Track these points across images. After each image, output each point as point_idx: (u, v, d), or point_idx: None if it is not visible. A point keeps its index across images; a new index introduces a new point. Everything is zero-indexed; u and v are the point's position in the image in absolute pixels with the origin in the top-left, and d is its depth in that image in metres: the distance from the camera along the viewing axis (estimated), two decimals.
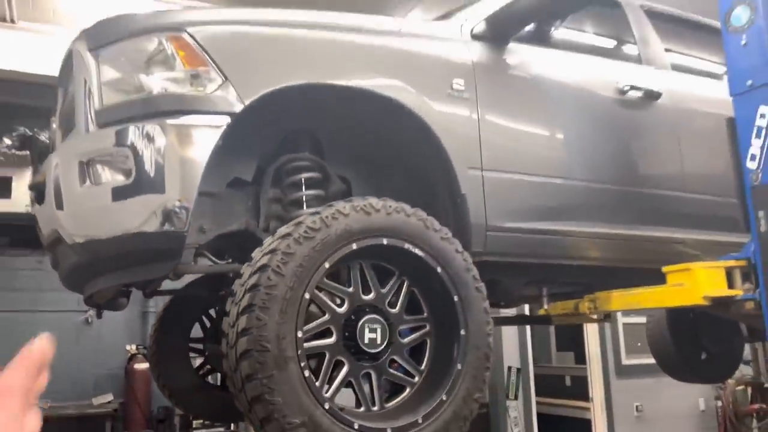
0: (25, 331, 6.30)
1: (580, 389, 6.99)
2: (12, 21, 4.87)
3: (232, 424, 5.91)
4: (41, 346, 0.62)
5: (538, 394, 7.87)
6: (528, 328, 6.46)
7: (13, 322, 6.35)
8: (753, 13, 2.41)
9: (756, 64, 2.38)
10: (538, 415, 6.73)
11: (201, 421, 6.07)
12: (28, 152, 5.76)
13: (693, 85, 3.03)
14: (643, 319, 4.91)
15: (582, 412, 6.80)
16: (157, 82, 2.04)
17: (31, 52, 4.94)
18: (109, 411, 6.05)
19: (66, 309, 6.45)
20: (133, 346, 6.45)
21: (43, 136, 5.76)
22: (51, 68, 4.97)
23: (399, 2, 5.25)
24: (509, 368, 6.30)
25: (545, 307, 3.04)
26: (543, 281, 2.92)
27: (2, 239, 6.40)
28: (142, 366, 6.18)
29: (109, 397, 6.28)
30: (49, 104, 5.80)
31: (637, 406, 6.65)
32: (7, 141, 5.61)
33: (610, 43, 3.27)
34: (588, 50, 3.05)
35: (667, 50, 3.18)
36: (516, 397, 6.26)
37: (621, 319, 6.75)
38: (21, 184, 5.67)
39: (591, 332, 6.68)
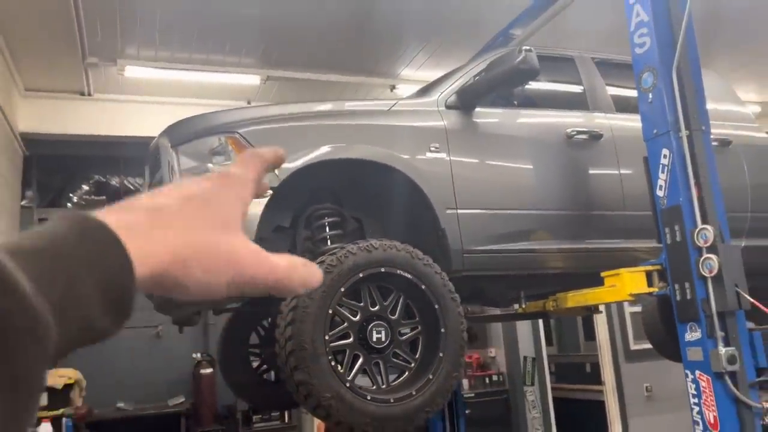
0: (107, 345, 7.40)
1: (597, 374, 7.68)
2: (89, 94, 5.96)
3: (286, 418, 6.85)
4: (272, 150, 0.61)
5: (561, 380, 8.61)
6: (541, 322, 7.20)
7: None
8: (656, 79, 3.18)
9: (658, 117, 3.14)
10: (558, 399, 7.46)
11: (260, 416, 7.04)
12: (104, 197, 6.93)
13: (630, 124, 3.78)
14: None
15: (596, 394, 7.51)
16: (219, 168, 2.95)
17: (103, 117, 6.01)
18: (182, 410, 7.06)
19: (139, 326, 7.50)
20: (199, 354, 7.42)
21: (114, 181, 7.01)
22: (117, 129, 6.03)
23: (405, 51, 6.16)
24: (525, 358, 7.05)
25: (523, 306, 3.85)
26: (518, 287, 3.73)
27: None
28: (207, 371, 7.16)
29: (182, 398, 7.30)
30: (117, 155, 6.91)
31: (646, 387, 7.30)
32: (86, 188, 6.77)
33: (564, 91, 4.05)
34: (545, 102, 3.85)
35: (615, 89, 3.94)
36: (533, 383, 7.01)
37: (627, 309, 7.42)
38: None
39: (600, 322, 7.37)
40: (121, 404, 7.06)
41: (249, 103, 6.66)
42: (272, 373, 4.59)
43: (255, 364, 4.42)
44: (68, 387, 5.97)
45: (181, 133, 3.11)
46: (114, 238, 0.42)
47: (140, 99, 6.31)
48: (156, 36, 5.46)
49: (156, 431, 7.02)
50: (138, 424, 6.87)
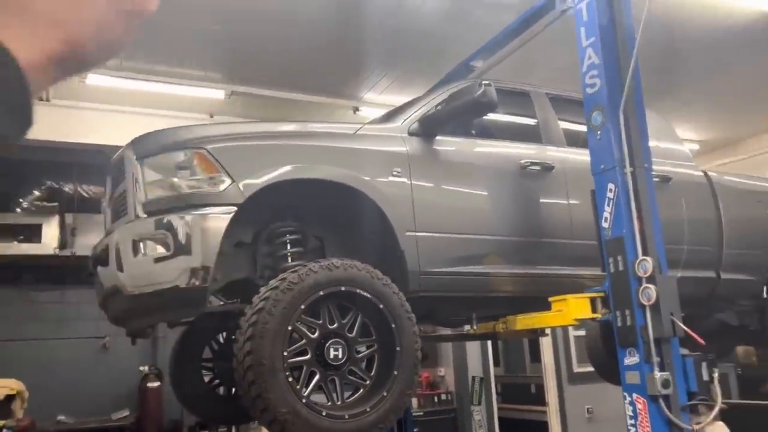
0: (50, 356, 7.19)
1: (542, 395, 7.92)
2: (47, 99, 5.87)
3: (234, 428, 6.79)
4: None
5: (507, 400, 8.81)
6: (489, 343, 7.40)
7: (39, 349, 7.23)
8: (604, 117, 3.40)
9: (605, 153, 3.36)
10: (503, 419, 7.65)
11: (206, 431, 6.95)
12: (56, 204, 6.78)
13: (580, 158, 4.00)
14: None
15: (540, 415, 7.73)
16: (185, 183, 3.00)
17: (60, 123, 5.93)
18: (127, 424, 6.91)
19: (85, 336, 7.34)
20: (146, 368, 7.30)
21: (67, 188, 6.87)
22: (74, 136, 5.94)
23: (369, 75, 6.32)
24: (473, 378, 7.22)
25: (474, 327, 3.99)
26: (471, 308, 3.88)
27: (29, 276, 7.29)
28: (154, 384, 7.05)
29: (126, 412, 7.15)
30: (72, 162, 6.78)
31: (587, 409, 7.57)
32: (37, 193, 6.62)
33: (519, 124, 4.27)
34: (501, 134, 4.04)
35: (567, 123, 4.17)
36: (479, 403, 7.18)
37: (572, 332, 7.71)
38: (50, 230, 6.59)
39: (546, 344, 7.62)
40: (62, 417, 6.86)
41: (212, 116, 6.68)
42: (223, 387, 4.60)
43: (207, 378, 4.41)
44: (10, 398, 5.78)
45: (147, 146, 3.14)
46: None
47: (101, 107, 6.25)
48: None
49: None
50: None
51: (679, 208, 4.25)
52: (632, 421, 3.13)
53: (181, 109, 6.62)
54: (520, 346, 9.16)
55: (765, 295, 4.69)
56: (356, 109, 6.87)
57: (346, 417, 2.82)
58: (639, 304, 3.13)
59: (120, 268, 2.98)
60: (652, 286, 3.09)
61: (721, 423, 3.21)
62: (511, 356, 9.54)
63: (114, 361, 7.47)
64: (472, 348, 7.30)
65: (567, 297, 3.42)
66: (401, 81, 6.43)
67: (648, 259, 3.14)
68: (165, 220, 2.93)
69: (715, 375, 3.45)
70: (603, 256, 3.36)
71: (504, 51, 4.71)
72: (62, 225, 6.66)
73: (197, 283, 2.88)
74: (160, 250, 2.92)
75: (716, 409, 3.14)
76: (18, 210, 6.61)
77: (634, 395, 3.13)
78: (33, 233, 6.56)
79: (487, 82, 3.40)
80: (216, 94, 6.42)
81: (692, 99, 7.47)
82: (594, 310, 3.39)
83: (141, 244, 2.95)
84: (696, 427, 3.12)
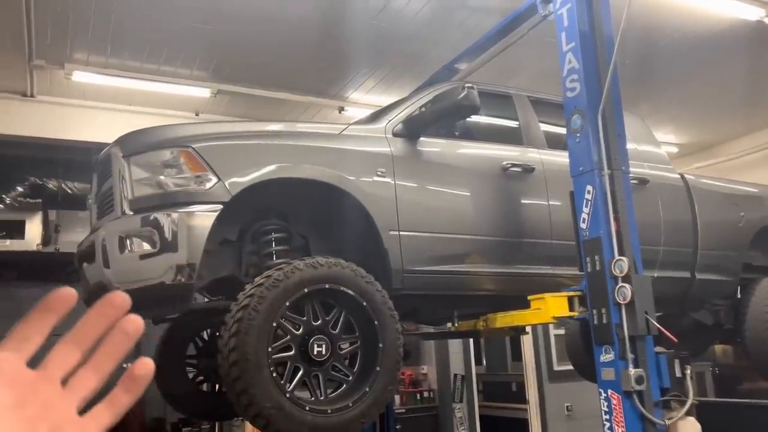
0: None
1: (522, 393, 8.04)
2: (32, 96, 5.85)
3: (217, 430, 6.81)
4: (140, 365, 0.60)
5: (488, 398, 8.92)
6: (471, 342, 7.50)
7: None
8: (584, 121, 3.49)
9: (584, 156, 3.45)
10: (484, 416, 7.75)
11: (189, 428, 6.97)
12: (39, 200, 6.77)
13: (560, 160, 4.09)
14: None
15: (520, 413, 7.85)
16: (171, 181, 3.03)
17: (45, 120, 5.91)
18: None
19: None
20: (129, 365, 7.26)
21: (51, 185, 6.86)
22: (58, 132, 5.93)
23: (355, 76, 6.39)
24: (455, 375, 7.31)
25: (456, 324, 4.07)
26: (452, 306, 3.95)
27: (11, 273, 7.24)
28: None
29: None
30: (56, 158, 6.77)
31: (567, 406, 7.70)
32: (20, 189, 6.59)
33: (501, 126, 4.35)
34: (483, 135, 4.12)
35: (548, 126, 4.26)
36: (461, 400, 7.27)
37: (552, 331, 7.83)
38: (33, 227, 6.56)
39: (527, 343, 7.74)
40: None
41: (197, 115, 6.69)
42: (207, 383, 4.63)
43: (191, 375, 4.44)
44: None
45: (133, 144, 3.17)
46: None
47: (86, 104, 6.23)
48: (108, 43, 5.44)
49: None
50: None
51: (655, 210, 4.36)
52: (607, 416, 3.23)
53: (166, 107, 6.63)
54: (501, 345, 9.28)
55: (738, 295, 4.82)
56: (342, 109, 6.92)
57: (329, 411, 2.88)
58: (615, 303, 3.22)
59: (106, 265, 3.00)
60: (627, 286, 3.19)
61: (692, 418, 3.31)
62: (493, 355, 9.66)
63: None
64: (455, 346, 7.39)
65: (545, 296, 3.50)
66: (387, 81, 6.50)
67: (624, 259, 3.24)
68: (151, 218, 2.96)
69: (688, 372, 3.56)
70: (581, 255, 3.45)
71: (487, 54, 4.80)
72: (45, 221, 6.64)
73: (183, 279, 2.92)
74: (146, 247, 2.96)
75: (688, 405, 3.24)
76: (0, 206, 6.57)
77: (609, 391, 3.22)
78: (16, 229, 6.53)
79: (470, 84, 3.47)
80: (202, 92, 6.44)
81: (671, 103, 7.62)
82: (571, 309, 3.48)
83: (127, 241, 2.99)
84: (668, 422, 3.22)
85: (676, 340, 3.24)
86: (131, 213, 3.04)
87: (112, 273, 2.99)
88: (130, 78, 5.97)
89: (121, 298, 0.59)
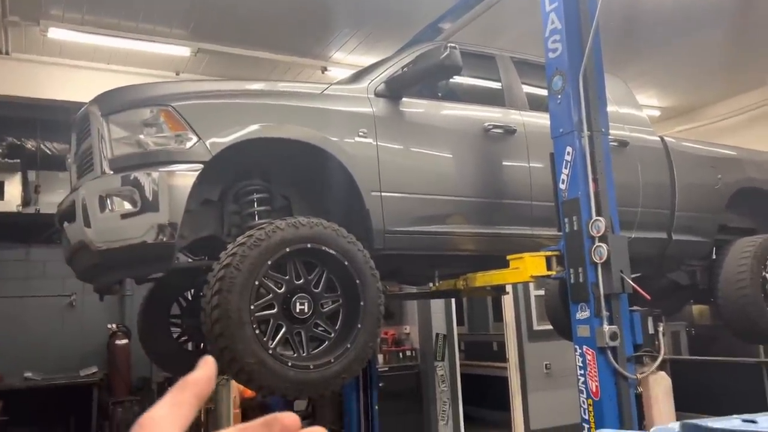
0: (16, 314, 7.15)
1: (503, 353, 8.23)
2: (7, 53, 5.70)
3: None
4: (201, 376, 0.54)
5: (470, 357, 9.12)
6: (453, 303, 7.62)
7: (5, 307, 7.19)
8: (564, 82, 3.50)
9: (564, 118, 3.47)
10: (465, 374, 7.94)
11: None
12: (18, 160, 6.67)
13: (541, 121, 4.11)
14: None
15: (501, 371, 8.05)
16: (151, 140, 3.01)
17: (21, 78, 5.78)
18: (95, 380, 6.96)
19: (52, 294, 7.30)
20: (114, 325, 7.32)
21: (30, 145, 6.75)
22: (35, 91, 5.82)
23: (337, 35, 6.29)
24: (437, 335, 7.45)
25: (437, 284, 4.14)
26: (433, 266, 4.01)
27: None
28: (123, 342, 7.09)
29: (94, 369, 7.19)
30: (34, 118, 6.66)
31: (546, 365, 7.91)
32: None
33: (484, 87, 4.35)
34: (466, 96, 4.12)
35: (530, 88, 4.26)
36: (443, 359, 7.43)
37: (533, 292, 7.97)
38: (12, 188, 6.48)
39: (508, 304, 7.88)
40: (29, 374, 6.88)
41: (178, 74, 6.58)
42: (191, 343, 4.68)
43: (175, 335, 4.48)
44: None
45: (112, 103, 3.14)
46: None
47: (62, 62, 6.08)
48: None
49: (67, 402, 6.90)
50: (48, 395, 6.72)
51: (634, 172, 4.41)
52: (582, 371, 3.33)
53: (146, 66, 6.50)
54: (483, 306, 9.45)
55: (714, 256, 4.93)
56: (324, 69, 6.84)
57: (311, 367, 2.94)
58: (591, 262, 3.29)
59: (87, 224, 3.00)
60: (604, 245, 3.26)
61: (662, 373, 3.43)
62: (474, 315, 9.84)
63: (81, 318, 7.47)
64: (437, 307, 7.50)
65: (524, 255, 3.57)
66: (369, 41, 6.42)
67: (601, 219, 3.30)
68: (132, 177, 2.95)
69: (660, 329, 3.67)
70: (559, 216, 3.50)
71: (471, 13, 4.76)
72: (25, 182, 6.56)
73: (164, 239, 2.93)
74: (127, 206, 2.96)
75: (659, 360, 3.36)
76: None
77: (584, 347, 3.32)
78: None
79: (452, 44, 3.45)
80: (182, 51, 6.31)
81: (656, 66, 7.63)
82: (549, 268, 3.55)
83: (108, 200, 2.98)
84: (640, 376, 3.34)
85: (649, 297, 3.33)
86: (111, 172, 3.02)
87: (93, 232, 2.99)
88: (108, 35, 5.83)
89: (290, 419, 0.55)
